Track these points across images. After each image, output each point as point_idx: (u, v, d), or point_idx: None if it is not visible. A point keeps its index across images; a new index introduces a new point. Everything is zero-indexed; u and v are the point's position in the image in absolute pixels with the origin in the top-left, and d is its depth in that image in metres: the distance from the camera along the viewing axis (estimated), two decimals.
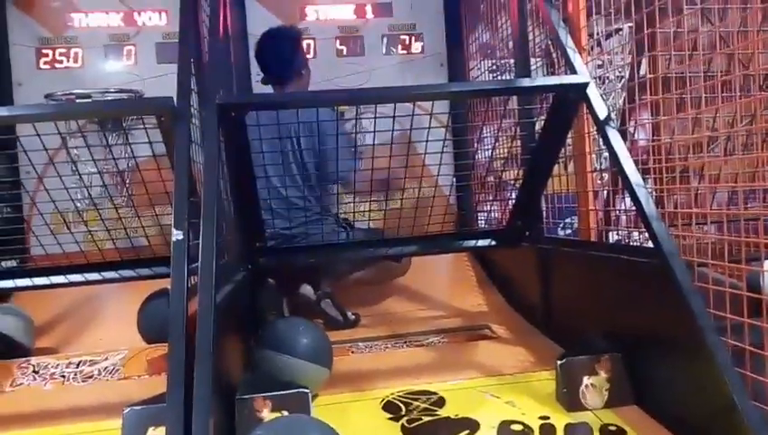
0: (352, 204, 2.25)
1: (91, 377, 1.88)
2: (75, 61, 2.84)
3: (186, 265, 1.22)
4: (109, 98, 2.65)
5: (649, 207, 1.43)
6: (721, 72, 1.73)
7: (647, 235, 1.46)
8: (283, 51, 2.48)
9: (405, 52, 3.09)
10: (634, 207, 1.50)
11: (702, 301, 1.29)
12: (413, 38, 3.10)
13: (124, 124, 2.15)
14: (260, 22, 2.81)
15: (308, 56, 2.79)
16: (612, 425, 1.40)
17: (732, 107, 1.76)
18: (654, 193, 1.73)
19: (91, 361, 1.98)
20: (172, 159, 1.41)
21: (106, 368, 1.93)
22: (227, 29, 1.91)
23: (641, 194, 1.45)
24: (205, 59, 1.65)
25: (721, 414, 1.17)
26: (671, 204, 1.78)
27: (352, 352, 2.02)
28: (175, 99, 1.40)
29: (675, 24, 1.58)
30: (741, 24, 1.71)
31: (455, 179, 2.54)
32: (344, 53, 3.05)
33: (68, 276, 1.94)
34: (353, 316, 2.35)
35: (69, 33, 2.85)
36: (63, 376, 1.89)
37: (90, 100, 2.61)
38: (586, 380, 1.49)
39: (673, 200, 1.82)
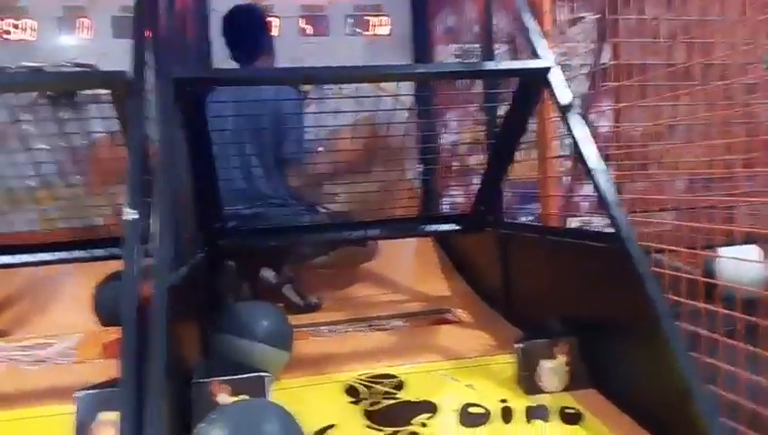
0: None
1: (43, 361, 1.82)
2: (26, 33, 2.73)
3: (138, 246, 1.18)
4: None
5: (610, 192, 1.44)
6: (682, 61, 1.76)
7: (606, 220, 1.47)
8: (253, 27, 2.46)
9: (370, 33, 3.06)
10: (595, 193, 1.51)
11: (658, 286, 1.31)
12: (378, 20, 3.07)
13: (77, 99, 2.08)
14: None
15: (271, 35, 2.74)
16: (570, 408, 1.41)
17: (691, 96, 1.79)
18: (614, 180, 1.75)
19: (43, 344, 1.92)
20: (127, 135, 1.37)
21: (59, 351, 1.88)
22: (186, 3, 1.85)
23: (602, 180, 1.46)
24: (162, 33, 1.60)
25: (676, 398, 1.20)
26: (630, 191, 1.80)
27: (313, 335, 2.00)
28: (128, 72, 1.35)
29: (637, 12, 1.59)
30: (701, 14, 1.73)
31: (419, 163, 2.53)
32: (308, 32, 3.00)
33: (18, 256, 1.87)
34: (315, 301, 2.33)
35: (20, 4, 2.73)
36: (14, 359, 1.83)
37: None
38: (545, 363, 1.51)
39: (632, 187, 1.84)
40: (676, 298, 1.35)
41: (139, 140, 1.27)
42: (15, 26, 2.72)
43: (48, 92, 2.15)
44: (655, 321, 1.25)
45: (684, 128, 1.94)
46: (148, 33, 1.44)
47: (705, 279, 1.32)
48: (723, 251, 1.38)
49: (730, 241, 1.47)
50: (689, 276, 1.35)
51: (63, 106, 2.14)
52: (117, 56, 2.65)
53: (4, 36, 2.71)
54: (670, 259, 1.49)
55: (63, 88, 2.03)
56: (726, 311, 1.24)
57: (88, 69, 2.59)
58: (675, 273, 1.38)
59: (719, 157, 1.70)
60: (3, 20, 2.71)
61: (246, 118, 2.14)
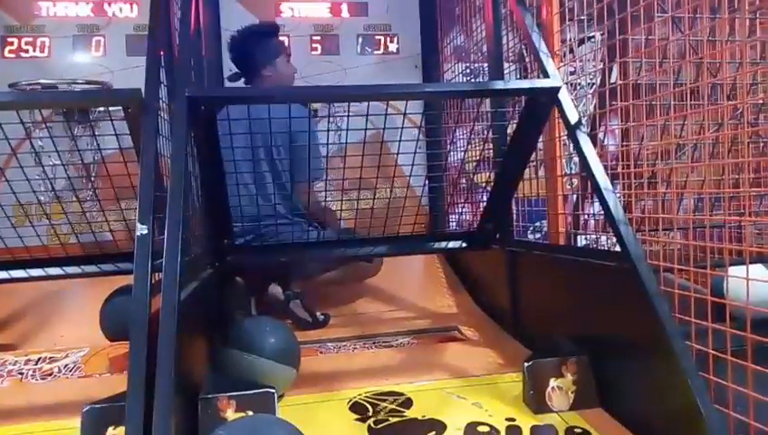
0: (323, 203, 2.23)
1: (50, 375, 1.83)
2: (42, 50, 2.77)
3: (150, 261, 1.19)
4: (76, 89, 2.59)
5: (617, 211, 1.44)
6: (690, 80, 1.76)
7: (614, 239, 1.47)
8: (247, 43, 2.48)
9: (380, 52, 3.09)
10: (602, 212, 1.51)
11: (667, 305, 1.31)
12: (388, 39, 3.10)
13: (91, 116, 2.11)
14: (234, 17, 2.78)
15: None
16: (578, 427, 1.41)
17: (699, 115, 1.79)
18: (622, 198, 1.75)
19: (50, 358, 1.93)
20: (139, 152, 1.38)
21: (66, 365, 1.88)
22: (199, 23, 1.88)
23: (610, 198, 1.46)
24: (175, 52, 1.62)
25: (685, 418, 1.19)
26: (638, 209, 1.80)
27: (321, 352, 2.00)
28: (143, 90, 1.37)
29: (645, 31, 1.60)
30: (710, 34, 1.74)
31: (427, 181, 2.54)
32: (319, 51, 3.04)
33: (29, 271, 1.89)
34: (322, 317, 2.33)
35: (36, 22, 2.78)
36: (21, 373, 1.83)
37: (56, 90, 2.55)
38: (552, 382, 1.50)
39: (640, 206, 1.84)
40: (685, 317, 1.34)
41: (152, 157, 1.29)
42: (30, 44, 2.76)
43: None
44: (664, 340, 1.24)
45: (692, 147, 1.94)
46: (161, 52, 1.46)
47: (713, 299, 1.32)
48: (732, 270, 1.37)
49: (739, 260, 1.46)
50: (698, 296, 1.34)
51: (77, 122, 2.17)
52: (131, 73, 2.70)
53: (21, 54, 2.75)
54: (679, 278, 1.48)
55: (79, 106, 2.05)
56: (734, 331, 1.23)
57: (100, 86, 2.64)
58: (683, 292, 1.37)
59: (727, 176, 1.70)
60: (20, 38, 2.75)
61: (258, 135, 2.15)
